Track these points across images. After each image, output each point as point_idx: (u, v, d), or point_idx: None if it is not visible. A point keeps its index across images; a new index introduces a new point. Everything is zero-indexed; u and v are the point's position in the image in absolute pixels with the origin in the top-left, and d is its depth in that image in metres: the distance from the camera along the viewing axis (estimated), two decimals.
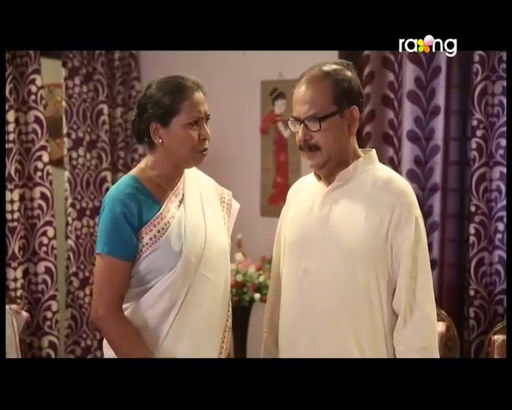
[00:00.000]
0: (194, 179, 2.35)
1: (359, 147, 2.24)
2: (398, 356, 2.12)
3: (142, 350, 2.15)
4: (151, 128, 2.21)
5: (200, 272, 2.22)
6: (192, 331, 2.21)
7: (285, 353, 2.23)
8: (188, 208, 2.26)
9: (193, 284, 2.21)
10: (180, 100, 2.19)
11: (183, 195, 2.28)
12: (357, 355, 2.10)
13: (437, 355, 2.13)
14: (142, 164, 2.29)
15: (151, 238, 2.18)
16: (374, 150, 2.25)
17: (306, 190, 2.29)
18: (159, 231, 2.18)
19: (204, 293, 2.23)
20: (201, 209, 2.29)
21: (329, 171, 2.18)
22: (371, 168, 2.19)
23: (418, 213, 2.14)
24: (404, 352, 2.09)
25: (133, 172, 2.29)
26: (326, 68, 2.15)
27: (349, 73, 2.16)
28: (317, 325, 2.13)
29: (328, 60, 2.23)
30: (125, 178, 2.26)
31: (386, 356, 2.12)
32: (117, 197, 2.18)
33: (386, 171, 2.22)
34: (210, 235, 2.26)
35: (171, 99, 2.19)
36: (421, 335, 2.09)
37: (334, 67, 2.16)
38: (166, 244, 2.18)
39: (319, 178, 2.23)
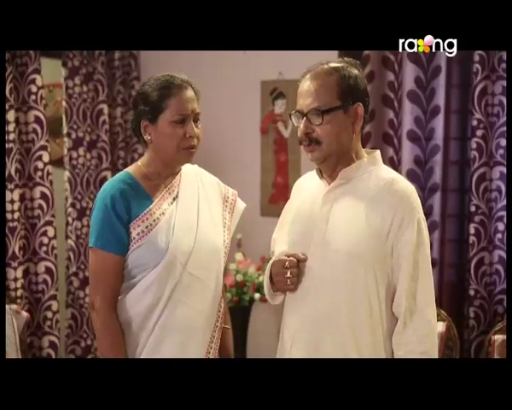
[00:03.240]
0: (193, 177, 2.36)
1: None
2: None
3: (118, 353, 2.18)
4: (141, 125, 2.26)
5: (188, 270, 2.23)
6: (178, 330, 2.22)
7: (285, 352, 2.23)
8: (180, 206, 2.28)
9: (180, 281, 2.22)
10: (166, 97, 2.21)
11: (178, 192, 2.30)
12: (355, 356, 2.08)
13: None
14: (138, 162, 2.34)
15: (138, 233, 2.20)
16: (378, 151, 2.24)
17: (310, 187, 2.27)
18: (147, 227, 2.21)
19: (192, 292, 2.24)
20: (196, 208, 2.30)
21: (331, 167, 2.17)
22: (375, 169, 2.17)
23: (421, 215, 2.12)
24: (404, 356, 2.07)
25: (128, 168, 2.34)
26: (333, 64, 2.15)
27: (356, 71, 2.15)
28: (316, 324, 2.12)
29: (328, 59, 2.23)
30: (119, 174, 2.31)
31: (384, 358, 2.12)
32: (108, 192, 2.22)
33: (390, 172, 2.20)
34: (202, 234, 2.27)
35: (158, 96, 2.22)
36: (421, 339, 2.07)
37: (342, 64, 2.16)
38: (153, 240, 2.20)
39: (321, 175, 2.23)
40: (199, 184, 2.36)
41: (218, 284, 2.31)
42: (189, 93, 2.24)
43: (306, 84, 2.13)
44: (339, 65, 2.15)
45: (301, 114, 2.14)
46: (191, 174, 2.37)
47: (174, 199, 2.28)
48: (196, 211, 2.30)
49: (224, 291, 2.42)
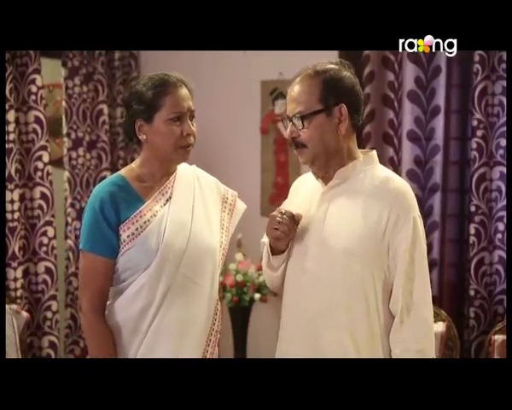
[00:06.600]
0: (189, 177, 2.33)
1: (359, 147, 2.24)
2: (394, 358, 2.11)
3: (106, 353, 2.18)
4: (136, 125, 2.23)
5: (181, 272, 2.20)
6: (171, 333, 2.19)
7: (283, 351, 2.23)
8: (173, 207, 2.24)
9: (173, 284, 2.19)
10: (162, 95, 2.20)
11: (172, 193, 2.27)
12: (353, 355, 2.09)
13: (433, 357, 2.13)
14: (132, 163, 2.32)
15: (129, 235, 2.19)
16: (374, 151, 2.24)
17: (307, 187, 2.28)
18: (137, 229, 2.19)
19: (186, 294, 2.21)
20: (191, 209, 2.27)
21: (321, 168, 2.18)
22: (370, 168, 2.18)
23: (416, 213, 2.13)
24: (401, 354, 2.08)
25: (122, 170, 2.32)
26: (317, 67, 2.15)
27: (343, 72, 2.14)
28: (313, 323, 2.13)
29: (328, 60, 2.22)
30: (111, 177, 2.30)
31: (382, 356, 2.11)
32: (97, 195, 2.22)
33: (385, 171, 2.21)
34: (195, 235, 2.24)
35: (153, 94, 2.20)
36: (418, 337, 2.08)
37: (328, 66, 2.15)
38: (143, 241, 2.18)
39: (317, 176, 2.23)
40: (195, 185, 2.33)
41: (213, 286, 2.28)
42: (184, 91, 2.23)
43: (291, 89, 2.16)
44: (323, 67, 2.14)
45: (288, 118, 2.16)
46: (187, 175, 2.34)
47: (167, 200, 2.26)
48: (190, 212, 2.27)
49: (220, 293, 2.39)
